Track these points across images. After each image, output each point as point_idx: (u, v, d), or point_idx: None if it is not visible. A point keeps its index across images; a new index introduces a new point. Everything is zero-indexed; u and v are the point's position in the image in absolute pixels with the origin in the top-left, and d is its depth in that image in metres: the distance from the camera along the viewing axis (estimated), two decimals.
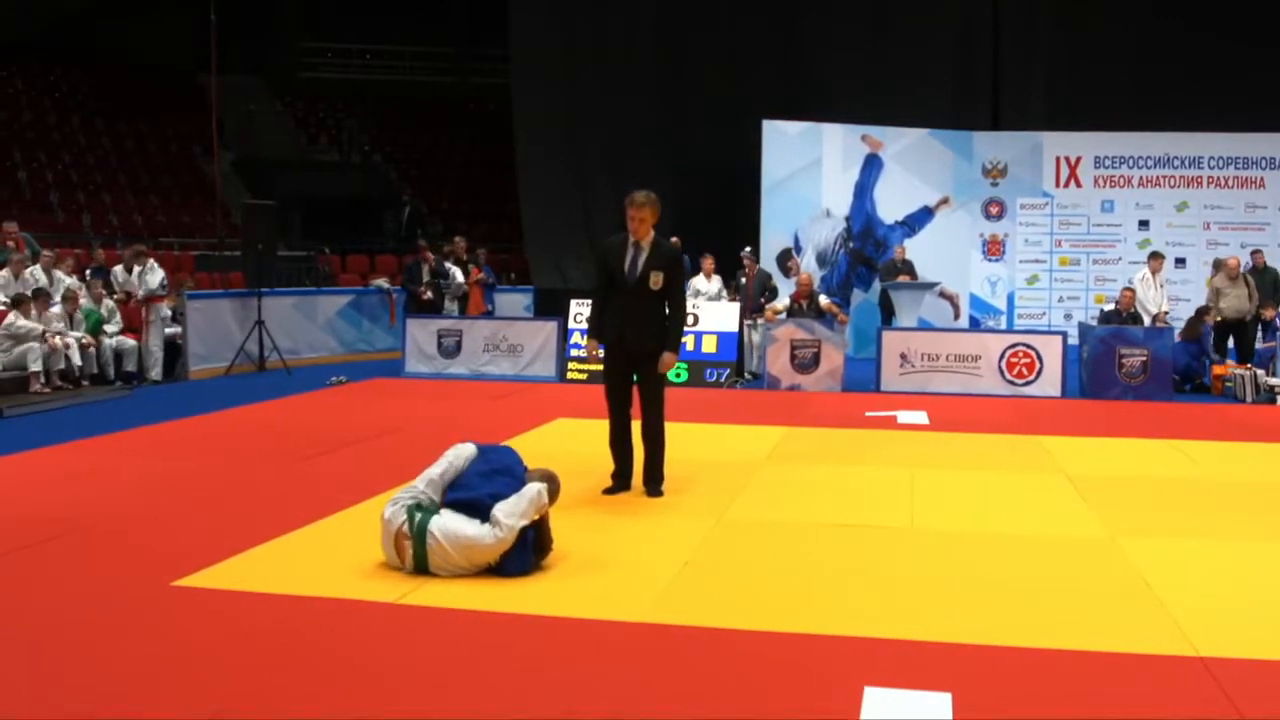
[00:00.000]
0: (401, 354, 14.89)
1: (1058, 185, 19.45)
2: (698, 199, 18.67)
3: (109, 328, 13.46)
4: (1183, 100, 18.68)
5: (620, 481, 7.19)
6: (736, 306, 14.08)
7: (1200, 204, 19.21)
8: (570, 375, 13.93)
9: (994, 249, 19.42)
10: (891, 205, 18.86)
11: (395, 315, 16.81)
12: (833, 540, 6.09)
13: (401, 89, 29.47)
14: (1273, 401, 12.37)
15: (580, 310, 13.92)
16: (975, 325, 18.55)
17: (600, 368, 7.39)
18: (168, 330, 14.08)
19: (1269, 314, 14.23)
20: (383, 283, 18.00)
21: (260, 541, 5.87)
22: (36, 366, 12.13)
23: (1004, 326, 18.61)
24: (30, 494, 7.16)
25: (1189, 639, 4.49)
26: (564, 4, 21.07)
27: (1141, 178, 19.35)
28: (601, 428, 7.32)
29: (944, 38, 20.26)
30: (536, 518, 5.32)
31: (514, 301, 18.75)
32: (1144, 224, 19.31)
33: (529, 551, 5.30)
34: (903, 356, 13.35)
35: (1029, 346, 13.25)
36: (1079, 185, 19.42)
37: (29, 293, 12.75)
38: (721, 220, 18.39)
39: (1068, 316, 18.73)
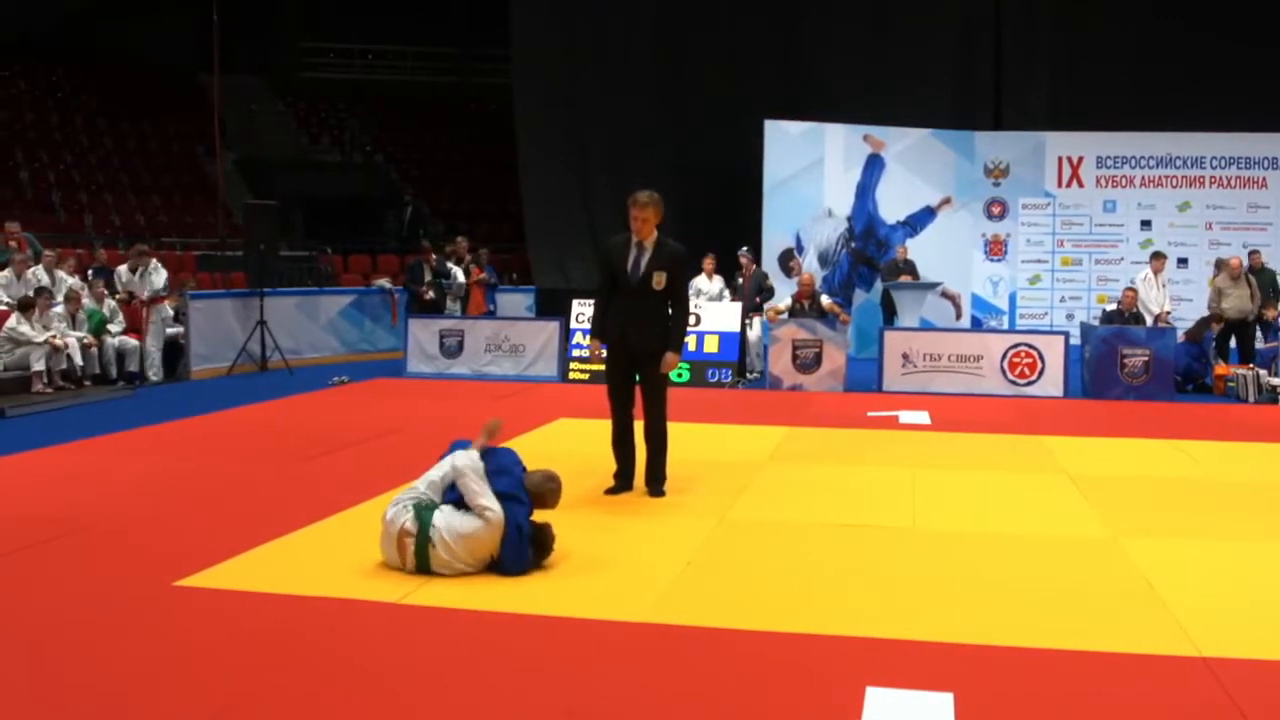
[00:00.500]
0: (403, 354, 14.89)
1: (1060, 185, 19.44)
2: (699, 199, 18.65)
3: (112, 327, 13.46)
4: (1184, 100, 18.65)
5: (622, 481, 7.19)
6: (738, 306, 14.07)
7: (1202, 204, 19.20)
8: (572, 375, 13.92)
9: (996, 249, 19.41)
10: (893, 205, 18.85)
11: (397, 315, 16.80)
12: (835, 540, 6.09)
13: (403, 89, 29.47)
14: (1274, 401, 12.36)
15: (582, 310, 13.91)
16: (977, 325, 18.53)
17: (602, 368, 7.39)
18: (170, 330, 14.08)
19: (1271, 314, 14.21)
20: (384, 283, 18.00)
21: (262, 542, 5.87)
22: (39, 366, 12.14)
23: (1006, 326, 18.59)
24: (32, 494, 7.16)
25: (1191, 639, 4.48)
26: (565, 4, 21.05)
27: (1143, 178, 19.34)
28: (603, 428, 7.32)
29: (945, 37, 20.25)
30: (482, 476, 5.39)
31: (515, 301, 18.74)
32: (1146, 224, 19.29)
33: (526, 543, 5.30)
34: (904, 357, 13.34)
35: (1031, 346, 13.24)
36: (1081, 185, 19.41)
37: (31, 293, 12.76)
38: (723, 220, 18.37)
39: (1070, 317, 18.72)
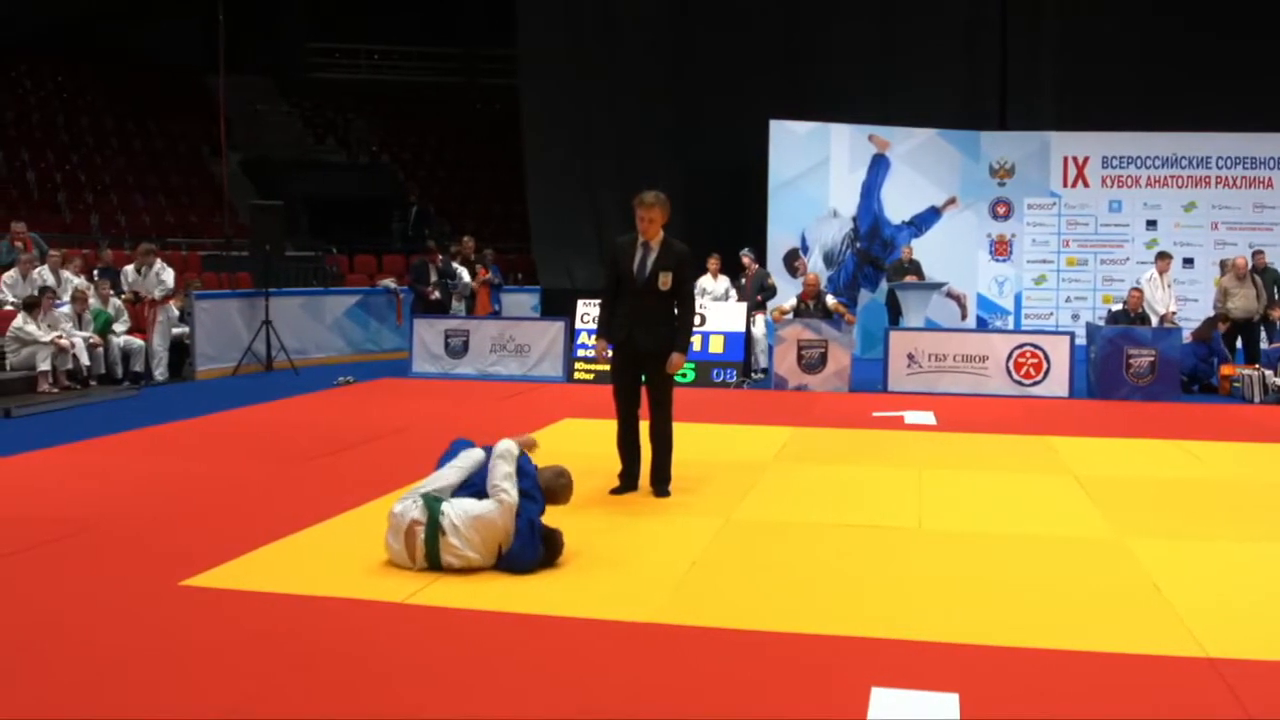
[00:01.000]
0: (408, 354, 14.90)
1: (1065, 185, 19.41)
2: (705, 199, 18.65)
3: (117, 327, 13.48)
4: (1190, 100, 18.61)
5: (628, 481, 7.19)
6: (744, 306, 14.06)
7: (1208, 204, 19.16)
8: (577, 375, 13.93)
9: (1001, 249, 19.39)
10: (899, 205, 18.84)
11: (402, 315, 16.81)
12: (840, 541, 6.09)
13: (409, 89, 29.46)
14: None
15: (588, 310, 13.92)
16: (982, 325, 18.51)
17: (607, 368, 7.39)
18: (175, 330, 14.11)
19: (1276, 314, 14.19)
20: (390, 283, 18.01)
21: (267, 541, 5.88)
22: (45, 366, 12.16)
23: (1011, 327, 18.58)
24: (38, 494, 7.18)
25: (1197, 640, 4.48)
26: (571, 5, 21.04)
27: (1149, 178, 19.31)
28: (609, 428, 7.32)
29: (951, 37, 20.20)
30: (517, 461, 5.49)
31: (521, 302, 18.75)
32: (1152, 224, 19.26)
33: (537, 539, 5.32)
34: (910, 357, 13.34)
35: (1036, 347, 13.23)
36: (1086, 185, 19.38)
37: (36, 292, 12.78)
38: (728, 220, 18.38)
39: (1075, 317, 18.70)
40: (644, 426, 7.16)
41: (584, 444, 8.67)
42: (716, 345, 13.57)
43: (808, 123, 18.70)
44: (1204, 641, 4.45)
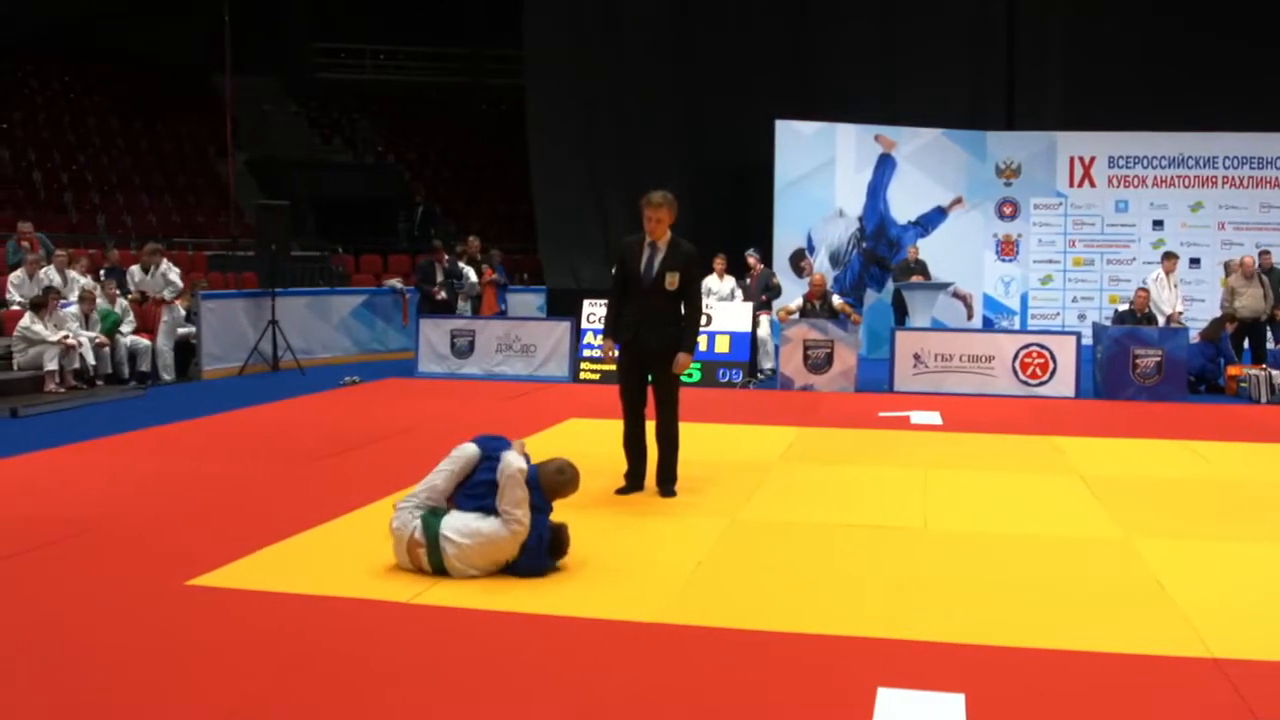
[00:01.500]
0: (415, 354, 14.92)
1: (1072, 185, 19.38)
2: (711, 199, 18.64)
3: (124, 327, 13.50)
4: (1197, 100, 18.58)
5: (633, 481, 7.19)
6: (750, 306, 14.06)
7: (1215, 204, 19.12)
8: (583, 375, 13.94)
9: (1008, 249, 19.37)
10: (905, 205, 18.82)
11: (408, 315, 16.83)
12: (846, 541, 6.08)
13: (415, 90, 29.48)
14: None
15: (593, 310, 13.93)
16: (989, 325, 18.49)
17: (614, 368, 7.39)
18: (182, 330, 14.13)
19: None
20: (396, 283, 18.03)
21: (273, 541, 5.88)
22: (51, 366, 12.18)
23: (1018, 327, 18.56)
24: (44, 493, 7.19)
25: (1203, 640, 4.47)
26: (577, 5, 21.06)
27: (1156, 177, 19.28)
28: (614, 428, 7.32)
29: (958, 37, 20.18)
30: (522, 484, 5.27)
31: (527, 302, 18.77)
32: (1158, 224, 19.23)
33: (544, 554, 5.29)
34: (916, 357, 13.32)
35: (1043, 347, 13.21)
36: (1093, 185, 19.35)
37: (41, 292, 12.80)
38: (734, 220, 18.38)
39: (1081, 317, 18.67)
40: (650, 426, 7.16)
41: (590, 444, 8.66)
42: (722, 345, 13.57)
43: (814, 122, 18.68)
44: (1210, 642, 4.44)
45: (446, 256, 16.02)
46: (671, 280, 6.93)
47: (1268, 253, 15.09)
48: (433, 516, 5.27)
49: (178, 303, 14.10)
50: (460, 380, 14.04)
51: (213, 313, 14.42)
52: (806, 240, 18.40)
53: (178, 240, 19.93)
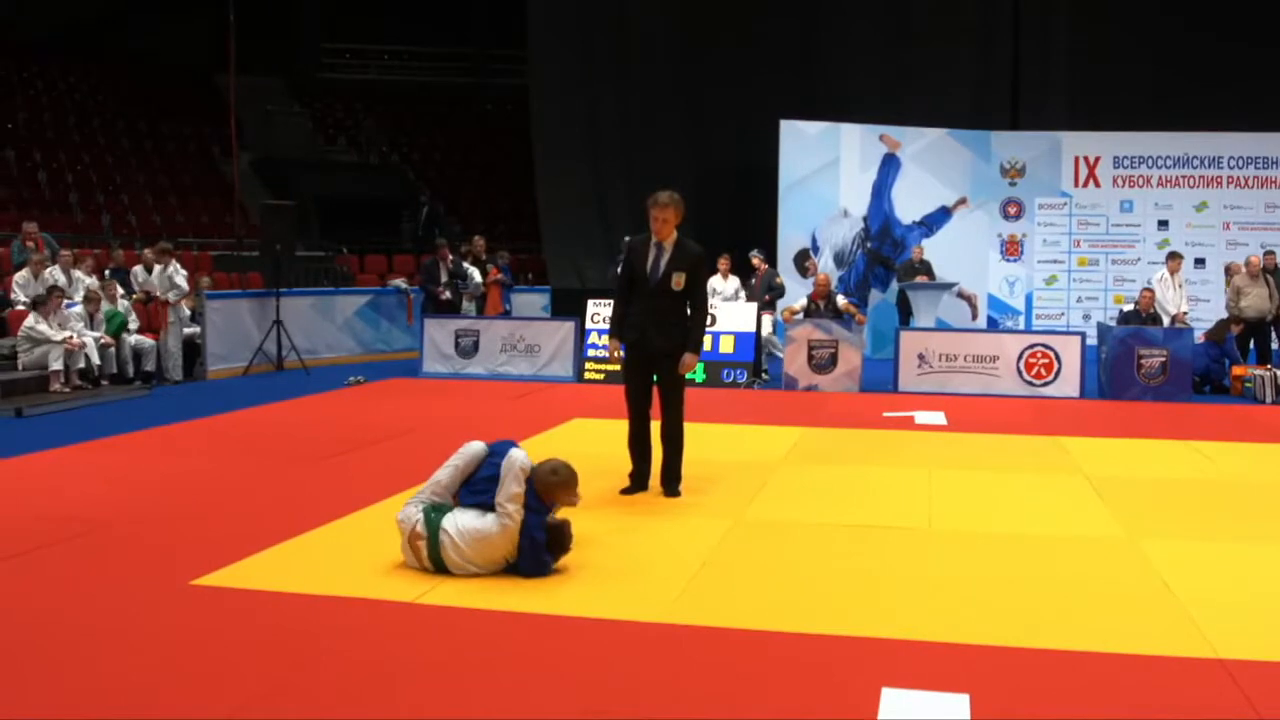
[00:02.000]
0: (419, 354, 14.92)
1: (1076, 185, 19.36)
2: (715, 199, 18.66)
3: (130, 327, 13.51)
4: (1202, 100, 18.57)
5: (638, 481, 7.19)
6: (754, 306, 14.05)
7: (1220, 204, 19.10)
8: (587, 375, 13.94)
9: (1012, 249, 19.35)
10: (909, 205, 18.81)
11: (413, 315, 16.84)
12: (850, 541, 6.08)
13: (420, 90, 29.51)
14: None
15: (598, 310, 13.93)
16: (993, 326, 18.48)
17: (619, 368, 7.39)
18: (186, 330, 14.14)
19: None
20: (400, 283, 18.04)
21: (278, 541, 5.89)
22: (57, 366, 12.19)
23: (1022, 327, 18.54)
24: (49, 493, 7.20)
25: (1208, 640, 4.47)
26: (581, 5, 21.07)
27: (1161, 177, 19.25)
28: (618, 428, 7.32)
29: (963, 37, 20.18)
30: (525, 481, 5.29)
31: (531, 302, 18.77)
32: (1163, 224, 19.21)
33: (544, 553, 5.29)
34: (920, 357, 13.32)
35: (1047, 347, 13.20)
36: (1098, 185, 19.33)
37: (45, 290, 12.81)
38: (739, 220, 18.38)
39: (1086, 317, 18.65)
40: (655, 426, 7.16)
41: (594, 444, 8.68)
42: (727, 345, 13.57)
43: (818, 122, 18.68)
44: (1215, 642, 4.44)
45: (451, 256, 16.02)
46: (678, 280, 6.93)
47: (1273, 253, 15.07)
48: (435, 511, 5.30)
49: (183, 303, 14.11)
50: (465, 380, 14.04)
51: (217, 313, 14.44)
52: (811, 240, 18.40)
53: (182, 240, 19.94)
